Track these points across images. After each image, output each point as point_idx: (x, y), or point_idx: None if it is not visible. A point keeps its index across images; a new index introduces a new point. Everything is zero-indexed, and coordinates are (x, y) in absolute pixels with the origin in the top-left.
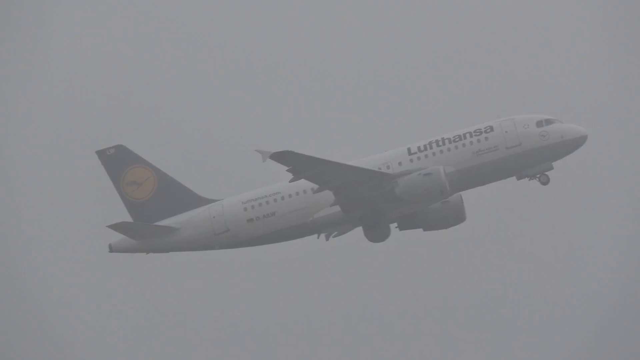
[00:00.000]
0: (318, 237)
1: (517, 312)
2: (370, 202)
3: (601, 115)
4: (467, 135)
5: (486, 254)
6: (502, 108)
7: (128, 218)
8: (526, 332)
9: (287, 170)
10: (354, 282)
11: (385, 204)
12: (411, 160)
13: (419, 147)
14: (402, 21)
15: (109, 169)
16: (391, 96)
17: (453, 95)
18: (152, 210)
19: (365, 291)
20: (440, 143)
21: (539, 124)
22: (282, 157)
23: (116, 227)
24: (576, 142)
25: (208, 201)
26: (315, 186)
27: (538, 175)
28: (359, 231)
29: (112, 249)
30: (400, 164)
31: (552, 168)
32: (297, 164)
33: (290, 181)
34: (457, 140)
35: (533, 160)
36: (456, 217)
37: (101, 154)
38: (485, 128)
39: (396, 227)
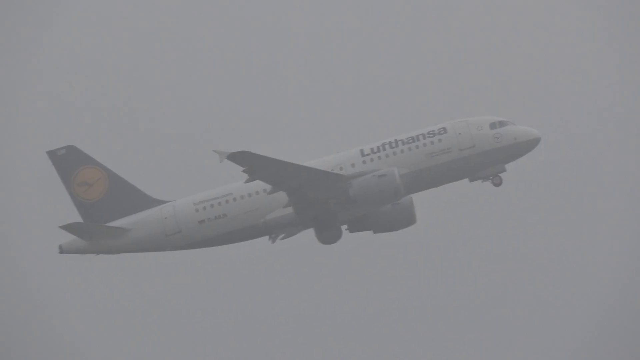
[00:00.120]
0: (269, 239)
1: (466, 314)
2: (323, 204)
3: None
4: (421, 137)
5: (437, 257)
6: (460, 109)
7: (79, 219)
8: (475, 333)
9: (242, 171)
10: (307, 284)
11: (338, 206)
12: (364, 162)
13: (372, 149)
14: (356, 21)
15: (60, 169)
16: (345, 97)
17: (410, 96)
18: (103, 211)
19: (317, 293)
20: (394, 145)
21: (493, 125)
22: (239, 157)
23: (69, 227)
24: (529, 145)
25: (160, 202)
26: (269, 187)
27: (491, 177)
28: (307, 233)
29: (62, 250)
30: (353, 165)
31: (504, 170)
32: (254, 164)
33: (246, 182)
34: (410, 142)
35: (486, 162)
36: (406, 219)
37: (52, 154)
38: (438, 130)
39: (346, 229)
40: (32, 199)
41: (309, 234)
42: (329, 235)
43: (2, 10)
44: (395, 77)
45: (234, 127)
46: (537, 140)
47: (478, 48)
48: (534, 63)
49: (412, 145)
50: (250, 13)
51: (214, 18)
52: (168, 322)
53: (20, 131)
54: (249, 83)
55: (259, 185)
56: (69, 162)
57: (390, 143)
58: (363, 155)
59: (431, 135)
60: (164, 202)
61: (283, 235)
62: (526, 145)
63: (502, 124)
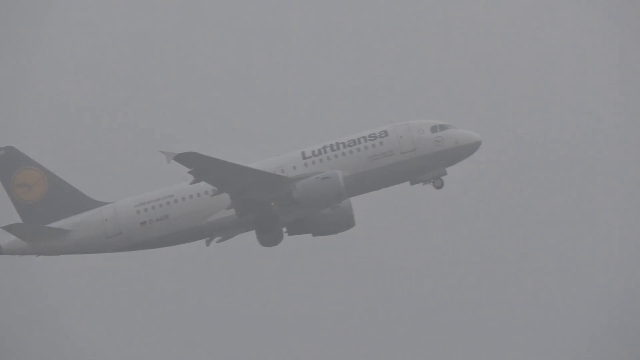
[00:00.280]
0: (210, 240)
1: (404, 316)
2: (266, 206)
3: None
4: (362, 139)
5: (377, 260)
6: (400, 112)
7: (19, 220)
8: (413, 335)
9: (188, 172)
10: (248, 286)
11: (281, 208)
12: (306, 165)
13: (313, 152)
14: (302, 25)
15: None
16: (287, 99)
17: (359, 97)
18: (43, 212)
19: (259, 295)
20: (335, 147)
21: (434, 129)
22: (186, 158)
23: (9, 228)
24: (470, 148)
25: (101, 204)
26: (211, 189)
27: (432, 180)
28: (246, 235)
29: (2, 251)
30: (294, 168)
31: (445, 173)
32: (201, 165)
33: (191, 183)
34: (351, 144)
35: (427, 165)
36: (346, 222)
37: None
38: (380, 133)
39: (285, 232)
40: None
41: (247, 237)
42: (270, 238)
43: None
44: (348, 78)
45: (180, 129)
46: (477, 144)
47: (477, 48)
48: (534, 63)
49: (354, 148)
50: (200, 15)
51: (159, 15)
52: (98, 323)
53: None
54: (197, 84)
55: (201, 187)
56: (8, 163)
57: (331, 145)
58: (304, 157)
59: (372, 138)
60: (105, 203)
61: (219, 237)
62: (467, 149)
63: (443, 127)
